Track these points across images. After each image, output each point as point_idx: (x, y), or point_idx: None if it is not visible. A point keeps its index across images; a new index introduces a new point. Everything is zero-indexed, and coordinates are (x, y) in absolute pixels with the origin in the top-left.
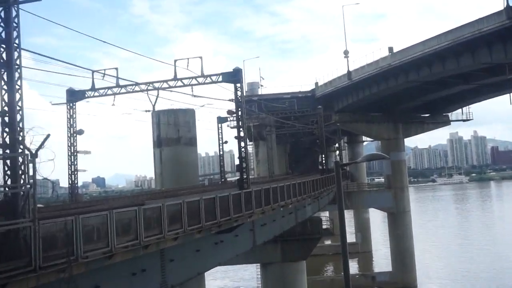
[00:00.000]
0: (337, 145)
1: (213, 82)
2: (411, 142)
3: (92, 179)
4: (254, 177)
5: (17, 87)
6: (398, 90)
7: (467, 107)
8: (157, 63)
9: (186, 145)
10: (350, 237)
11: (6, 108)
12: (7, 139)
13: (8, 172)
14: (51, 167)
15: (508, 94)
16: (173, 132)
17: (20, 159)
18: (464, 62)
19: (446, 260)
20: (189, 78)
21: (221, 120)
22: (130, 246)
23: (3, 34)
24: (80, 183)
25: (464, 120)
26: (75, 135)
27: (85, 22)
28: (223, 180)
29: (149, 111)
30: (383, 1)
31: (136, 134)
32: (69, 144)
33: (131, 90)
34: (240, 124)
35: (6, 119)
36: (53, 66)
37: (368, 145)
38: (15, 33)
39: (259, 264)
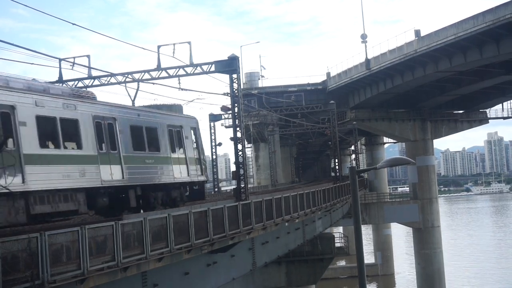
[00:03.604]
0: (353, 147)
1: (204, 72)
2: (441, 144)
3: None
4: (254, 186)
5: None
6: (426, 82)
7: (509, 102)
8: (137, 50)
9: None
10: (369, 257)
11: None
12: None
13: None
14: None
15: None
16: None
17: None
18: (507, 48)
19: (483, 286)
20: (175, 67)
21: (214, 117)
22: (106, 268)
23: None
24: None
25: (505, 118)
26: None
27: (51, 1)
28: (216, 189)
29: None
30: None
31: None
32: None
33: (106, 82)
34: (237, 122)
35: None
36: (11, 53)
37: (390, 147)
38: None
39: None
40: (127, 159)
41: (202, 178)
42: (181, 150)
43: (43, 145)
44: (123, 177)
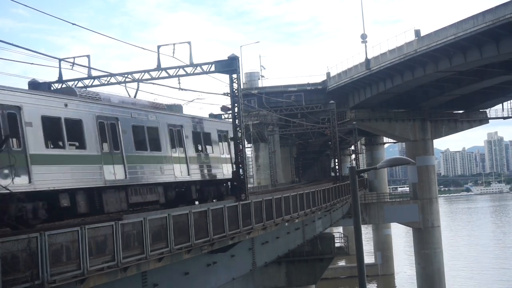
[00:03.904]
0: (353, 147)
1: (204, 72)
2: (441, 144)
3: None
4: (254, 186)
5: None
6: (426, 82)
7: (509, 102)
8: (136, 50)
9: None
10: (369, 257)
11: None
12: None
13: None
14: None
15: None
16: None
17: None
18: (507, 47)
19: (482, 286)
20: (175, 67)
21: (213, 117)
22: (106, 268)
23: None
24: None
25: (505, 118)
26: None
27: (51, 1)
28: None
29: None
30: None
31: None
32: None
33: (106, 81)
34: (237, 122)
35: None
36: (12, 54)
37: (390, 147)
38: None
39: None
40: (192, 160)
41: (224, 175)
42: (227, 151)
43: (139, 148)
44: (188, 174)
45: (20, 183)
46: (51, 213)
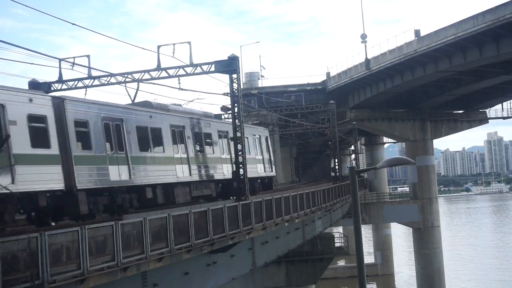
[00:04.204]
0: (352, 147)
1: (204, 72)
2: (441, 144)
3: None
4: None
5: None
6: (426, 82)
7: (509, 102)
8: (136, 50)
9: None
10: (368, 257)
11: None
12: None
13: None
14: None
15: None
16: None
17: None
18: (507, 47)
19: (482, 286)
20: (175, 67)
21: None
22: (106, 268)
23: None
24: None
25: (504, 118)
26: None
27: (51, 1)
28: None
29: None
30: None
31: None
32: None
33: (106, 81)
34: (237, 122)
35: None
36: (11, 53)
37: (390, 147)
38: None
39: None
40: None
41: (272, 174)
42: (262, 153)
43: (199, 151)
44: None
45: (125, 179)
46: (141, 202)
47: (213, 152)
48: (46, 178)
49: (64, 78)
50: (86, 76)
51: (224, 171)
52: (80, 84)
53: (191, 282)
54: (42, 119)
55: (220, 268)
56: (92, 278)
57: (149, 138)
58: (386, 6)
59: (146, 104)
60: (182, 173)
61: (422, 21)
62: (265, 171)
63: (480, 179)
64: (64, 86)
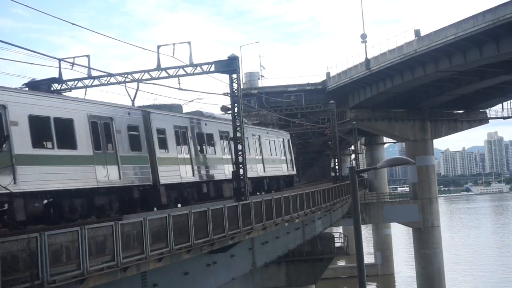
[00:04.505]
0: (352, 147)
1: (204, 72)
2: (441, 144)
3: None
4: None
5: None
6: (426, 81)
7: (509, 101)
8: (136, 50)
9: None
10: (368, 257)
11: None
12: None
13: None
14: None
15: None
16: None
17: None
18: (507, 47)
19: (482, 285)
20: (175, 67)
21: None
22: (106, 268)
23: None
24: None
25: (504, 118)
26: None
27: (51, 1)
28: None
29: None
30: None
31: None
32: None
33: (106, 82)
34: (237, 122)
35: None
36: (12, 53)
37: (390, 147)
38: None
39: None
40: (267, 161)
41: (293, 172)
42: (285, 154)
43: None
44: (264, 171)
45: (190, 176)
46: (199, 196)
47: (250, 154)
48: (140, 175)
49: (64, 77)
50: (86, 76)
51: (258, 170)
52: (80, 84)
53: (191, 282)
54: (136, 128)
55: (220, 268)
56: (92, 278)
57: (205, 142)
58: (386, 6)
59: (197, 113)
60: (228, 171)
61: (422, 21)
62: (287, 170)
63: (480, 179)
64: (64, 86)
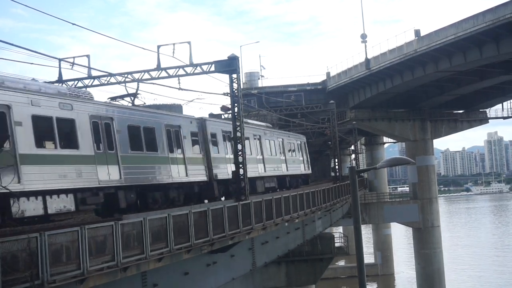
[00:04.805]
0: (352, 147)
1: (204, 72)
2: (441, 144)
3: None
4: None
5: None
6: (426, 81)
7: (509, 101)
8: (136, 50)
9: None
10: (368, 257)
11: None
12: None
13: None
14: None
15: None
16: None
17: None
18: (507, 47)
19: (482, 285)
20: (175, 67)
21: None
22: (106, 268)
23: None
24: None
25: (504, 118)
26: None
27: (50, 1)
28: None
29: None
30: None
31: None
32: None
33: (106, 81)
34: (237, 122)
35: None
36: (12, 53)
37: (390, 147)
38: None
39: None
40: (289, 162)
41: (309, 172)
42: (302, 155)
43: (270, 153)
44: (287, 170)
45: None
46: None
47: (276, 155)
48: (199, 173)
49: (64, 77)
50: (86, 75)
51: (283, 169)
52: (80, 84)
53: (191, 282)
54: (196, 134)
55: (220, 268)
56: (92, 278)
57: (249, 146)
58: (386, 6)
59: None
60: (261, 170)
61: (422, 21)
62: (304, 170)
63: (480, 179)
64: (64, 86)
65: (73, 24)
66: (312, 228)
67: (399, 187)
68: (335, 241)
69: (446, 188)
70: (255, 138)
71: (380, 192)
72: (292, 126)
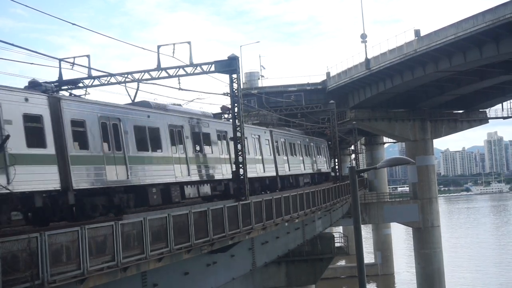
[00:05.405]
0: (352, 147)
1: (204, 72)
2: (441, 144)
3: None
4: None
5: None
6: (426, 81)
7: (509, 101)
8: (136, 50)
9: None
10: (368, 257)
11: None
12: None
13: None
14: None
15: None
16: None
17: None
18: (507, 47)
19: (482, 285)
20: (175, 67)
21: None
22: (106, 268)
23: None
24: None
25: (504, 118)
26: None
27: (50, 1)
28: None
29: None
30: None
31: None
32: None
33: (106, 81)
34: (237, 122)
35: None
36: (12, 53)
37: (390, 147)
38: None
39: None
40: (305, 161)
41: (328, 170)
42: (324, 156)
43: (292, 153)
44: (304, 169)
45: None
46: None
47: (297, 155)
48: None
49: (64, 77)
50: (86, 76)
51: (301, 168)
52: (80, 84)
53: (191, 282)
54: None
55: (220, 268)
56: (92, 278)
57: (294, 149)
58: (386, 6)
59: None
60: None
61: (422, 21)
62: (326, 168)
63: (480, 179)
64: (64, 86)
65: (73, 24)
66: (312, 228)
67: (399, 187)
68: (335, 241)
69: (446, 188)
70: (299, 144)
71: (380, 192)
72: (292, 126)
